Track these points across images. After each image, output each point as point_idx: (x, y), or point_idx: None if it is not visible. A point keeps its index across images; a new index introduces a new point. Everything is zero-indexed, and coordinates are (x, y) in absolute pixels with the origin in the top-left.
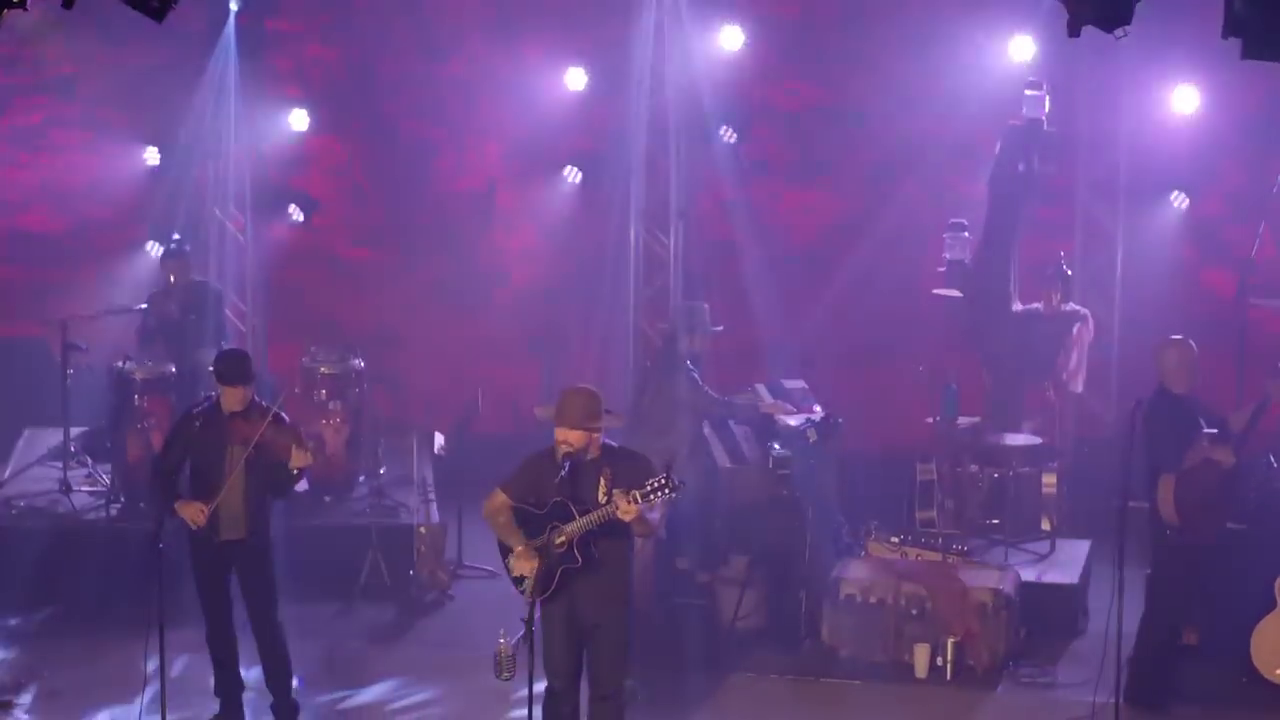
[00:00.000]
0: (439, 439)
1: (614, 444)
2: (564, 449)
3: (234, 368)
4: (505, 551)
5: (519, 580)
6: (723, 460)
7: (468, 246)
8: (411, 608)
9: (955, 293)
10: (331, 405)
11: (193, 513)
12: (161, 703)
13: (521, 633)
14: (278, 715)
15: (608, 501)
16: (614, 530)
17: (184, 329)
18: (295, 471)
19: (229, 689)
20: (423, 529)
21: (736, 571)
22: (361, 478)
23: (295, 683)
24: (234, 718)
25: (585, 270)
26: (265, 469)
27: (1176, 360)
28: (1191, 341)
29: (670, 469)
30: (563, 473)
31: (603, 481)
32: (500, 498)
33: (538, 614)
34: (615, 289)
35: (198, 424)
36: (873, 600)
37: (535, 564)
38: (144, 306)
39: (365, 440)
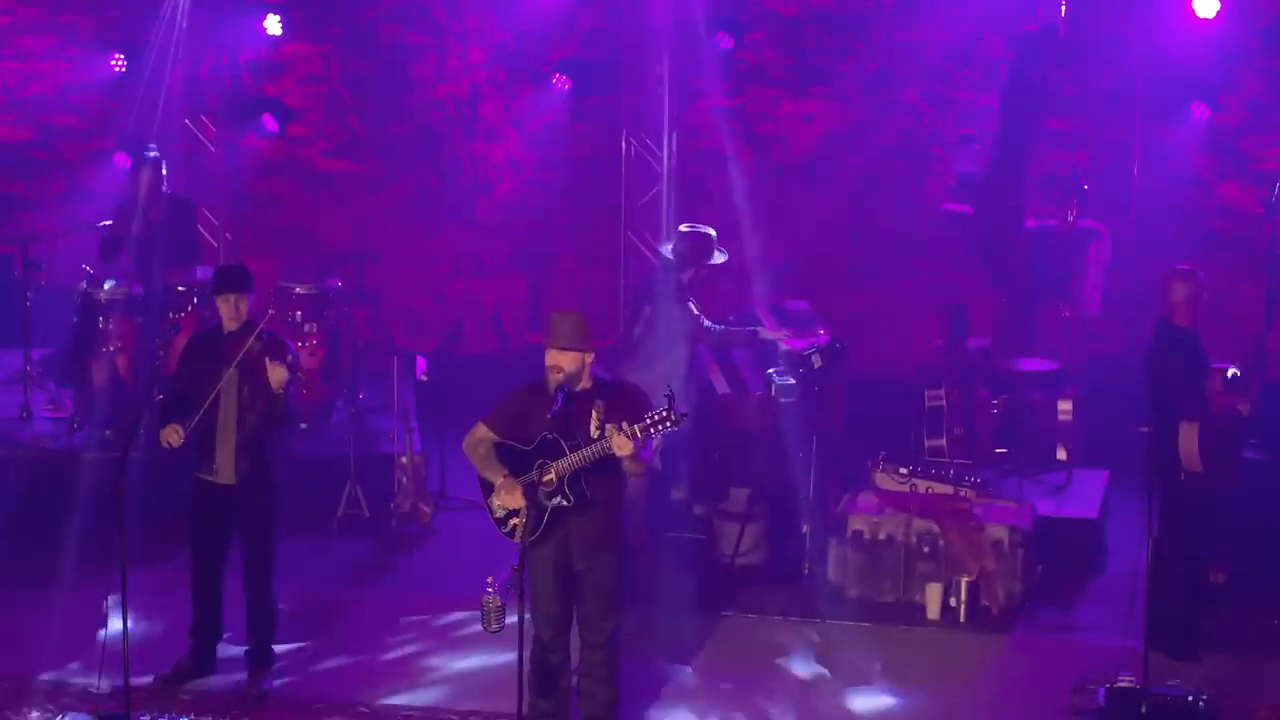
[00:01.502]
0: (421, 362)
1: (605, 376)
2: (556, 376)
3: (226, 276)
4: (486, 489)
5: (503, 520)
6: (722, 387)
7: (450, 157)
8: (392, 543)
9: (965, 208)
10: (307, 328)
11: (167, 432)
12: (124, 644)
13: (507, 578)
14: (251, 663)
15: (601, 436)
16: (606, 468)
17: (153, 246)
18: (280, 392)
19: (204, 634)
20: (404, 458)
21: (736, 505)
22: (339, 404)
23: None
24: (203, 662)
25: (573, 182)
26: (258, 394)
27: (1186, 293)
28: (1199, 273)
29: (671, 400)
30: (555, 406)
31: (595, 415)
32: (482, 431)
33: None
34: (605, 201)
35: (199, 347)
36: (881, 537)
37: (520, 497)
38: (109, 223)
39: (343, 364)
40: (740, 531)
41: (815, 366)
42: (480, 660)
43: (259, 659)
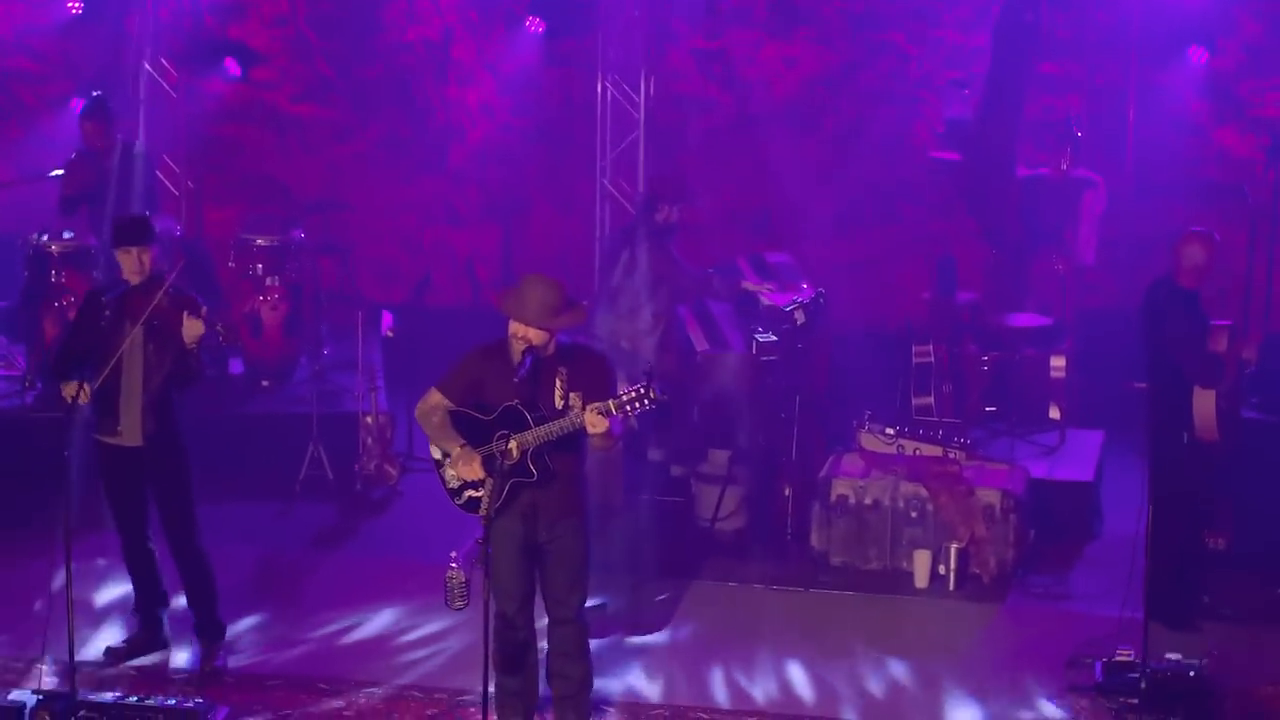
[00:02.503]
0: (387, 318)
1: (567, 339)
2: (520, 345)
3: (126, 228)
4: (439, 460)
5: (457, 491)
6: (700, 344)
7: (421, 102)
8: (356, 506)
9: (954, 155)
10: (269, 280)
11: (70, 389)
12: (68, 621)
13: (471, 551)
14: (201, 636)
15: (566, 409)
16: (569, 439)
17: (106, 196)
18: (193, 349)
19: (148, 606)
20: (369, 418)
21: (716, 467)
22: (302, 360)
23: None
24: (154, 638)
25: (548, 127)
26: (165, 352)
27: (1202, 258)
28: (1215, 234)
29: (651, 376)
30: (522, 371)
31: (558, 383)
32: (435, 398)
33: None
34: (581, 148)
35: (106, 310)
36: (867, 501)
37: (479, 468)
38: (59, 171)
39: (306, 319)
40: (720, 495)
41: (798, 323)
42: (447, 633)
43: (208, 631)
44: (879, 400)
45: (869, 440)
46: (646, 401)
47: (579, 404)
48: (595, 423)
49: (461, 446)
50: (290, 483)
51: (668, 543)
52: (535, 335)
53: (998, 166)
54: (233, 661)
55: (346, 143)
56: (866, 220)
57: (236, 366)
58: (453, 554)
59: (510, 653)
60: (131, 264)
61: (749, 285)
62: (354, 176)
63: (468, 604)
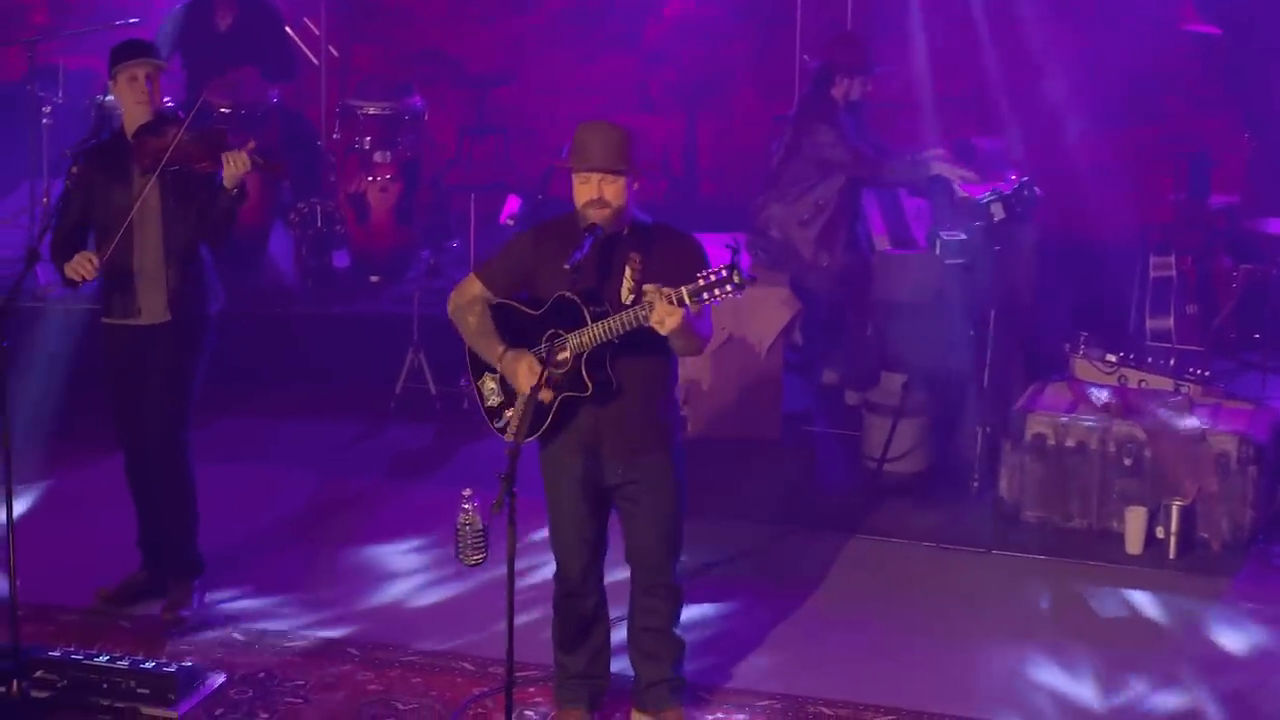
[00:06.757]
0: (512, 203)
1: (646, 217)
2: (595, 212)
3: (132, 44)
4: (477, 366)
5: (496, 410)
6: (881, 242)
7: None
8: (459, 428)
9: (1210, 28)
10: (378, 156)
11: (79, 263)
12: (9, 560)
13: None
14: (169, 571)
15: (635, 300)
16: (644, 344)
17: (216, 50)
18: (234, 191)
19: (154, 539)
20: None
21: (888, 396)
22: (424, 254)
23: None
24: (156, 575)
25: (756, 2)
26: (189, 205)
27: None
28: None
29: (735, 253)
30: (580, 252)
31: (629, 271)
32: (475, 288)
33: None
34: (791, 27)
35: (95, 162)
36: (1070, 443)
37: (537, 369)
38: (135, 20)
39: (422, 203)
40: (890, 430)
41: (994, 219)
42: (520, 594)
43: (175, 566)
44: (1101, 323)
45: (1084, 368)
46: (729, 287)
47: (657, 298)
48: (665, 315)
49: (507, 350)
50: (385, 399)
51: (824, 488)
52: (614, 192)
53: (1264, 41)
54: (246, 619)
55: (526, 13)
56: (1099, 105)
57: (342, 259)
58: (465, 491)
59: (573, 626)
60: (136, 92)
61: (941, 167)
62: (533, 52)
63: (485, 558)
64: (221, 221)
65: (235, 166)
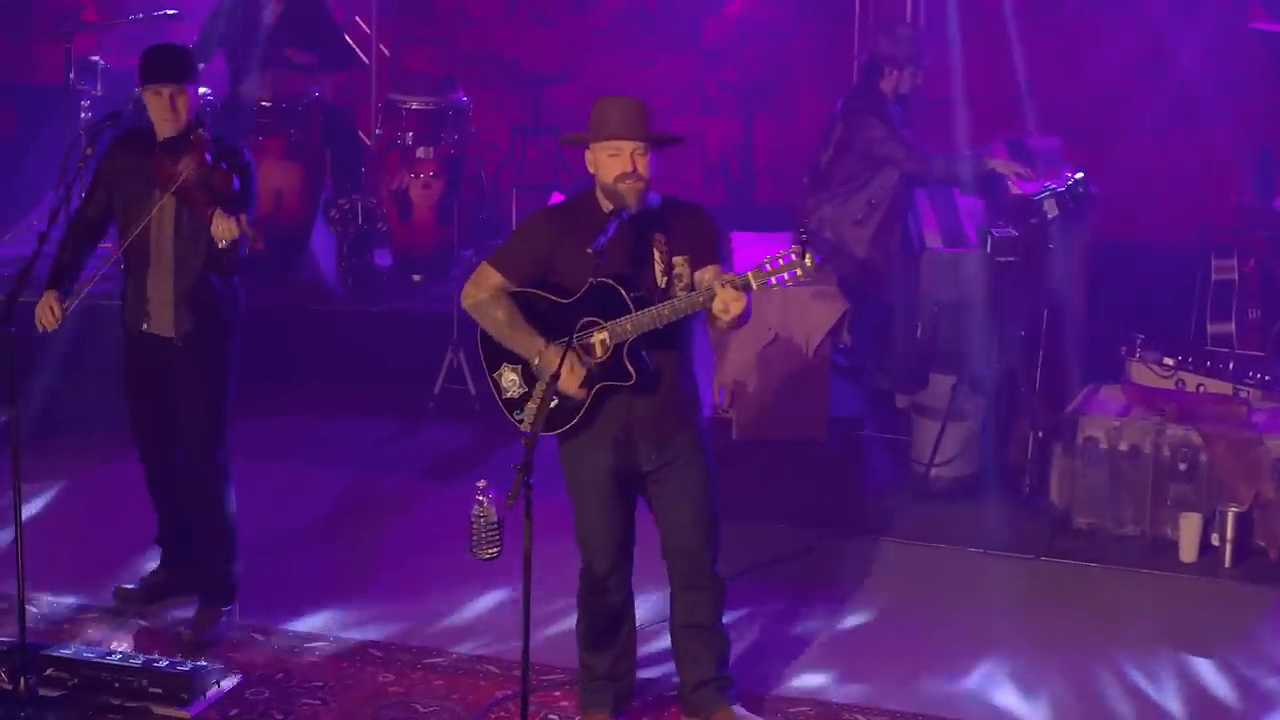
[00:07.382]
0: (556, 199)
1: (656, 195)
2: (628, 185)
3: (158, 59)
4: (493, 358)
5: (517, 401)
6: (934, 239)
7: None
8: (497, 430)
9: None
10: (420, 153)
11: (41, 312)
12: (18, 557)
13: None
14: (203, 597)
15: (670, 284)
16: (672, 328)
17: (264, 41)
18: (223, 246)
19: (173, 538)
20: None
21: (937, 398)
22: (467, 253)
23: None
24: (177, 577)
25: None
26: (203, 228)
27: None
28: None
29: (806, 241)
30: (607, 235)
31: (657, 254)
32: (494, 279)
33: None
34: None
35: (122, 157)
36: (1123, 448)
37: (577, 373)
38: (173, 12)
39: (465, 200)
40: (939, 433)
41: (1048, 216)
42: (554, 597)
43: (208, 590)
44: (1160, 325)
45: (1140, 372)
46: (799, 271)
47: (686, 272)
48: (729, 300)
49: (550, 348)
50: (422, 399)
51: (870, 491)
52: (644, 163)
53: None
54: (270, 619)
55: (585, 14)
56: (1159, 104)
57: (384, 257)
58: (480, 483)
59: (601, 624)
60: (161, 109)
61: (995, 162)
62: (591, 53)
63: (501, 551)
64: (219, 255)
65: (221, 230)
